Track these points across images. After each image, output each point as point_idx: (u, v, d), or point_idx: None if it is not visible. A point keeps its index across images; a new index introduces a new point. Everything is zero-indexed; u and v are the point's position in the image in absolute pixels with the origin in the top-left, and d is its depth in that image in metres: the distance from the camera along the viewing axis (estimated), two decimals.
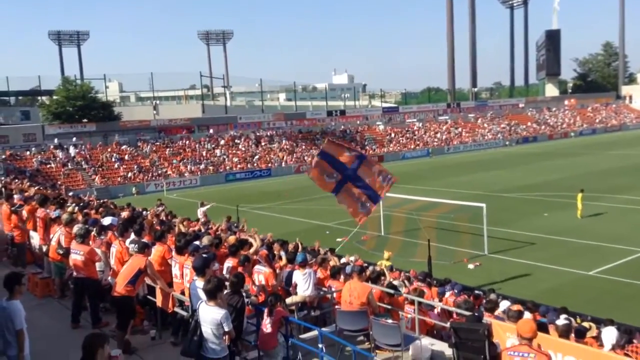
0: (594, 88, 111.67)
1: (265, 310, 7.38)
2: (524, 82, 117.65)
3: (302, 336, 8.58)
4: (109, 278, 9.77)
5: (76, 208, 15.03)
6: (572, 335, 8.62)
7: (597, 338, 9.07)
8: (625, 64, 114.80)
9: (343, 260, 16.76)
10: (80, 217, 12.77)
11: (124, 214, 16.52)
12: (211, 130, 63.54)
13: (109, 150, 55.02)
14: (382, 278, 12.57)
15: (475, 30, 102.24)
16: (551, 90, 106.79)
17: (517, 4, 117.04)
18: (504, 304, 11.34)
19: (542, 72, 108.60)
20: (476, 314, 7.98)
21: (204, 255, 8.18)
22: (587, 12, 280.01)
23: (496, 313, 10.25)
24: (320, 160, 14.23)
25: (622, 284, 18.46)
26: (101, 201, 23.38)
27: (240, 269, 9.10)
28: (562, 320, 8.91)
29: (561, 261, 21.12)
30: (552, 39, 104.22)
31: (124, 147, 56.15)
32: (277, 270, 10.76)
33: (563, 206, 31.16)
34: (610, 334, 8.56)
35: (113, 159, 53.41)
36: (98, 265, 10.01)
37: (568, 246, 23.34)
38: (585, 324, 9.82)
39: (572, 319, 10.76)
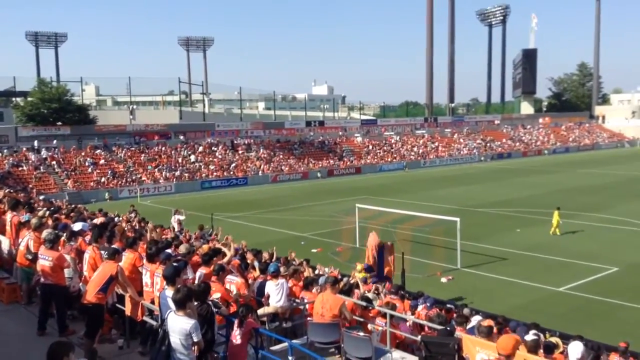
0: (568, 107, 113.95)
1: (236, 321, 7.31)
2: (500, 99, 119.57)
3: (273, 348, 8.51)
4: (80, 285, 9.58)
5: (47, 212, 14.74)
6: (541, 350, 8.71)
7: (565, 354, 9.17)
8: (599, 85, 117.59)
9: (317, 271, 16.71)
10: (50, 222, 12.54)
11: (98, 220, 16.26)
12: (182, 137, 63.03)
13: (83, 154, 54.23)
14: (356, 290, 12.57)
15: (454, 46, 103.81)
16: (526, 108, 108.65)
17: (496, 23, 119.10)
18: (476, 319, 11.43)
19: (518, 89, 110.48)
20: (448, 328, 8.01)
21: (175, 264, 8.07)
22: (563, 32, 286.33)
23: (467, 327, 10.32)
24: None
25: (592, 301, 18.74)
26: (72, 206, 23.00)
27: (214, 279, 9.03)
28: (530, 336, 8.98)
29: (532, 277, 21.37)
30: (529, 57, 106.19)
31: (98, 151, 55.39)
32: (250, 281, 10.68)
33: (535, 222, 31.60)
34: (575, 349, 8.66)
35: (87, 163, 52.63)
36: (66, 272, 9.81)
37: (539, 262, 23.63)
38: (553, 340, 9.92)
39: (541, 335, 10.87)
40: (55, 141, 53.83)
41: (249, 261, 13.07)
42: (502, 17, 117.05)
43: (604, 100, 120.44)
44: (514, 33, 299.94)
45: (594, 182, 49.84)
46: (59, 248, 9.92)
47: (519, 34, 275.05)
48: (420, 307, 12.88)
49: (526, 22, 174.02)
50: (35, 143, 52.60)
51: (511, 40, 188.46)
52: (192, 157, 58.77)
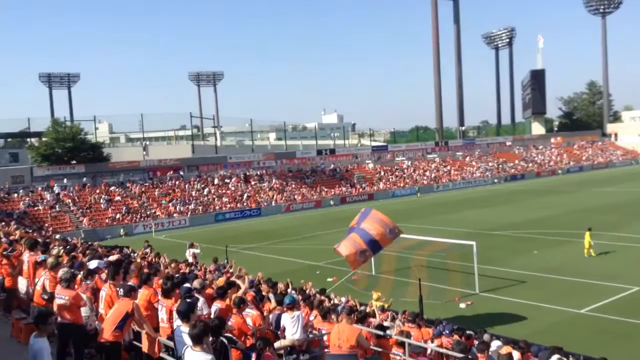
0: (580, 126, 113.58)
1: (253, 355, 7.25)
2: (511, 120, 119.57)
3: None
4: (96, 323, 9.57)
5: (62, 251, 14.83)
6: None
7: None
8: (609, 102, 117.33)
9: (334, 300, 16.59)
10: (66, 261, 12.60)
11: (113, 257, 16.32)
12: (195, 171, 63.45)
13: (97, 191, 54.76)
14: (372, 319, 12.45)
15: (462, 70, 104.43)
16: (537, 129, 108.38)
17: (502, 45, 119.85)
18: (495, 344, 11.24)
19: (528, 110, 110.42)
20: (469, 357, 7.88)
21: (188, 300, 8.05)
22: (571, 52, 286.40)
23: (490, 353, 10.14)
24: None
25: (615, 322, 18.35)
26: (87, 244, 23.14)
27: (235, 311, 9.01)
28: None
29: (552, 299, 21.03)
30: (537, 78, 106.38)
31: (112, 188, 55.91)
32: (265, 313, 10.61)
33: (552, 243, 31.22)
34: None
35: (101, 200, 53.08)
36: (83, 311, 9.81)
37: (559, 284, 23.27)
38: None
39: (565, 359, 10.65)
40: (65, 180, 54.38)
41: (264, 293, 13.00)
42: (508, 40, 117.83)
43: (616, 117, 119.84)
44: (521, 54, 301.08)
45: (609, 200, 49.28)
46: (75, 287, 9.95)
47: (526, 55, 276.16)
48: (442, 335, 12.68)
49: (533, 43, 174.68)
50: (55, 186, 53.11)
51: (519, 62, 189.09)
52: (206, 190, 59.06)
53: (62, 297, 9.46)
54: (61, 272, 10.13)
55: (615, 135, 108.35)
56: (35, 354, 6.76)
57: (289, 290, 15.52)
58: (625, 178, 69.72)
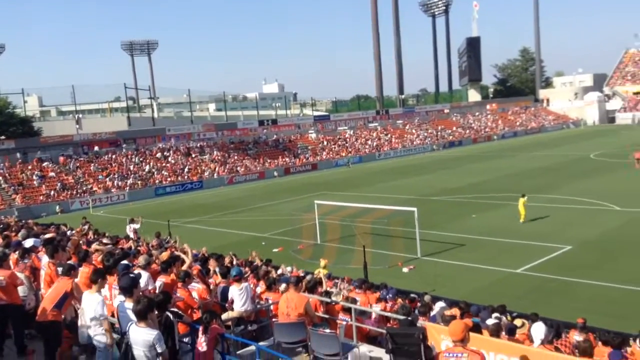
0: (514, 92, 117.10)
1: (200, 328, 7.19)
2: (448, 88, 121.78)
3: (240, 352, 8.42)
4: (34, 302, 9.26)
5: None
6: (503, 333, 8.91)
7: (529, 335, 9.40)
8: (541, 69, 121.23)
9: (279, 271, 16.67)
10: (0, 240, 12.08)
11: (48, 235, 15.74)
12: (132, 144, 61.72)
13: (30, 167, 52.46)
14: (319, 287, 12.58)
15: (400, 38, 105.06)
16: (474, 96, 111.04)
17: (439, 13, 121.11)
18: (439, 305, 11.60)
19: (465, 78, 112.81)
20: (409, 318, 8.09)
21: (131, 275, 7.87)
22: (505, 19, 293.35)
23: (432, 314, 10.46)
24: None
25: (549, 280, 19.27)
26: (22, 222, 22.23)
27: (180, 285, 8.90)
28: (492, 320, 9.18)
29: (490, 260, 21.88)
30: (473, 46, 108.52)
31: (45, 164, 53.65)
32: (212, 286, 10.53)
33: (490, 207, 32.35)
34: (538, 330, 8.89)
35: (34, 177, 50.93)
36: (21, 290, 9.46)
37: (496, 246, 24.20)
38: (518, 322, 10.15)
39: (503, 317, 11.13)
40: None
41: (210, 267, 12.89)
42: (444, 7, 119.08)
43: (547, 83, 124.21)
44: (457, 22, 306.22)
45: (542, 164, 51.35)
46: (10, 266, 9.56)
47: (462, 23, 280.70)
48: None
49: (468, 11, 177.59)
50: None
51: (455, 30, 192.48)
52: (147, 167, 57.50)
53: None
54: None
55: (547, 100, 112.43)
56: None
57: (233, 263, 15.45)
58: (557, 142, 72.68)
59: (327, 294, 11.23)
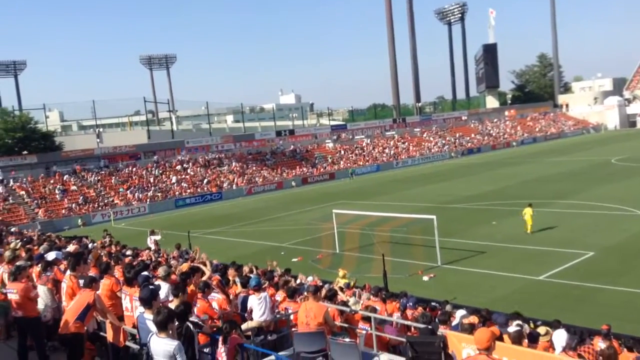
0: (532, 98, 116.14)
1: (220, 338, 7.22)
2: (465, 95, 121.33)
3: None
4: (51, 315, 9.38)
5: (19, 244, 14.44)
6: (526, 340, 8.79)
7: (551, 342, 9.27)
8: (560, 74, 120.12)
9: (298, 280, 16.66)
10: (23, 254, 12.27)
11: (71, 248, 15.96)
12: (160, 156, 62.37)
13: (52, 182, 53.25)
14: (339, 296, 12.55)
15: (416, 46, 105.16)
16: (491, 102, 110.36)
17: (455, 20, 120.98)
18: (459, 313, 11.50)
19: (482, 84, 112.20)
20: (429, 327, 8.04)
21: (151, 287, 7.94)
22: (522, 25, 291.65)
23: (453, 323, 10.37)
24: None
25: (572, 287, 19.01)
26: (44, 235, 22.56)
27: (199, 295, 8.94)
28: (513, 327, 9.06)
29: (512, 268, 21.64)
30: (490, 52, 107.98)
31: (66, 177, 54.41)
32: (232, 296, 10.57)
33: (510, 214, 32.01)
34: (560, 337, 8.76)
35: (56, 191, 51.68)
36: (40, 302, 9.59)
37: (517, 253, 23.93)
38: (541, 329, 10.02)
39: (525, 324, 10.99)
40: (13, 172, 52.52)
41: (230, 277, 12.93)
42: (460, 15, 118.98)
43: (566, 88, 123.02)
44: (473, 29, 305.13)
45: (562, 169, 50.77)
46: (24, 279, 9.68)
47: (479, 30, 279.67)
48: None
49: (484, 18, 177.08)
50: (0, 173, 51.43)
51: (471, 37, 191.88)
52: (174, 178, 57.99)
53: (11, 291, 9.28)
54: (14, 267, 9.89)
55: (567, 105, 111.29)
56: None
57: (253, 273, 15.48)
58: (577, 148, 71.86)
59: (344, 303, 11.19)
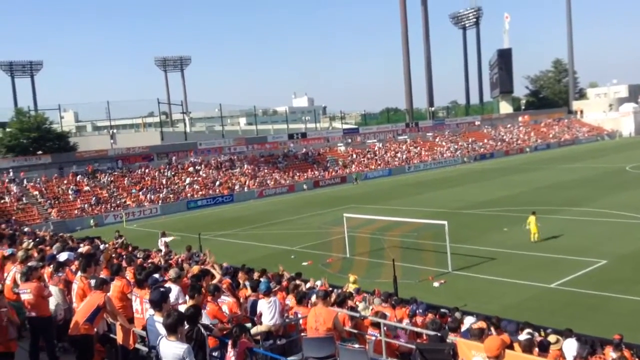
0: (546, 104, 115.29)
1: (229, 342, 7.23)
2: (479, 100, 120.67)
3: None
4: (63, 314, 9.43)
5: (31, 244, 14.56)
6: (536, 349, 8.72)
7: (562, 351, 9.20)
8: (575, 80, 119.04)
9: (308, 284, 16.66)
10: (36, 254, 12.36)
11: (83, 248, 16.05)
12: (173, 158, 62.69)
13: (65, 182, 53.70)
14: (350, 302, 12.53)
15: (430, 50, 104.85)
16: (505, 108, 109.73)
17: (469, 25, 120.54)
18: (469, 320, 11.43)
19: (496, 90, 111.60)
20: (439, 334, 8.00)
21: (161, 289, 7.96)
22: (537, 30, 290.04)
23: (462, 329, 10.31)
24: None
25: (584, 295, 18.84)
26: (56, 236, 22.73)
27: (209, 299, 8.96)
28: (524, 335, 9.01)
29: (523, 275, 21.48)
30: (504, 57, 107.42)
31: (80, 178, 54.84)
32: (242, 300, 10.60)
33: (522, 220, 31.73)
34: (571, 346, 8.70)
35: (69, 191, 52.10)
36: (52, 302, 9.65)
37: (529, 260, 23.75)
38: (552, 338, 9.94)
39: (536, 333, 10.91)
40: (22, 173, 52.97)
41: (240, 280, 12.98)
42: (475, 19, 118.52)
43: (581, 95, 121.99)
44: (488, 34, 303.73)
45: (576, 176, 50.33)
46: (37, 279, 9.75)
47: (493, 35, 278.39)
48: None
49: (499, 23, 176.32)
50: (11, 173, 51.91)
51: (486, 41, 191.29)
52: (188, 180, 58.31)
53: (24, 291, 9.34)
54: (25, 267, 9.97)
55: (581, 112, 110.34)
56: None
57: (263, 277, 15.51)
58: (591, 154, 71.23)
59: (353, 309, 11.16)
